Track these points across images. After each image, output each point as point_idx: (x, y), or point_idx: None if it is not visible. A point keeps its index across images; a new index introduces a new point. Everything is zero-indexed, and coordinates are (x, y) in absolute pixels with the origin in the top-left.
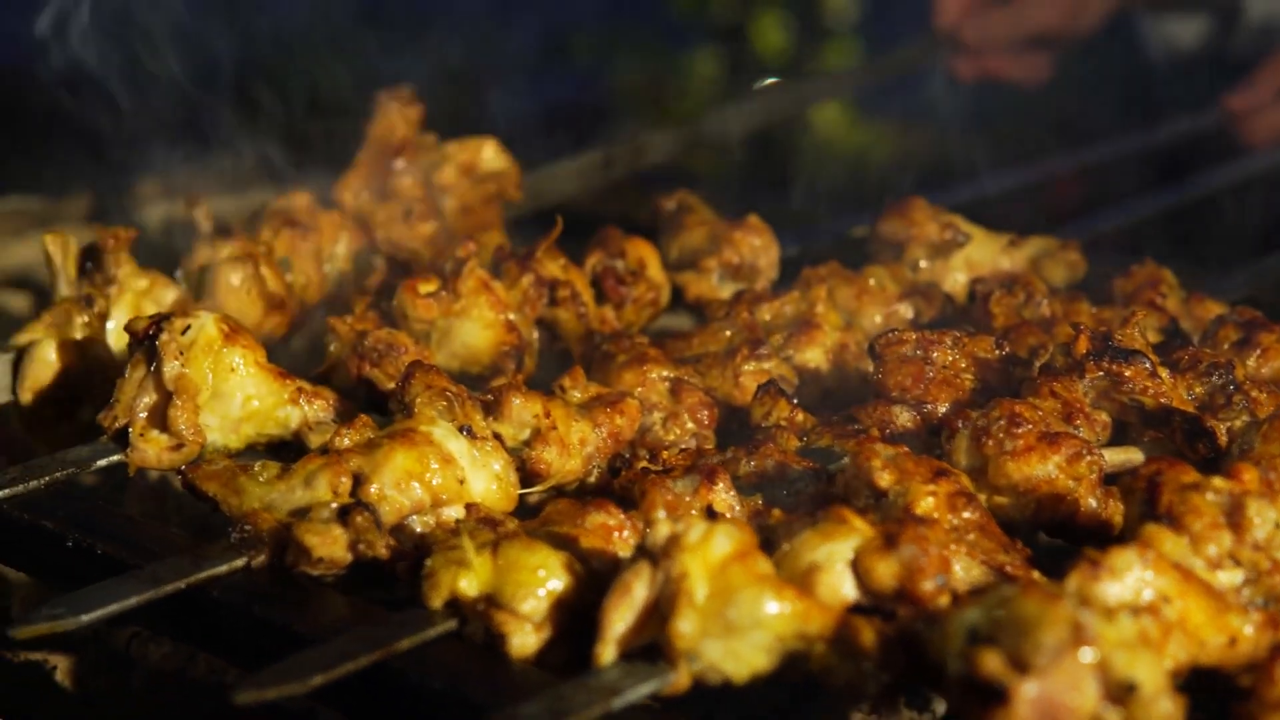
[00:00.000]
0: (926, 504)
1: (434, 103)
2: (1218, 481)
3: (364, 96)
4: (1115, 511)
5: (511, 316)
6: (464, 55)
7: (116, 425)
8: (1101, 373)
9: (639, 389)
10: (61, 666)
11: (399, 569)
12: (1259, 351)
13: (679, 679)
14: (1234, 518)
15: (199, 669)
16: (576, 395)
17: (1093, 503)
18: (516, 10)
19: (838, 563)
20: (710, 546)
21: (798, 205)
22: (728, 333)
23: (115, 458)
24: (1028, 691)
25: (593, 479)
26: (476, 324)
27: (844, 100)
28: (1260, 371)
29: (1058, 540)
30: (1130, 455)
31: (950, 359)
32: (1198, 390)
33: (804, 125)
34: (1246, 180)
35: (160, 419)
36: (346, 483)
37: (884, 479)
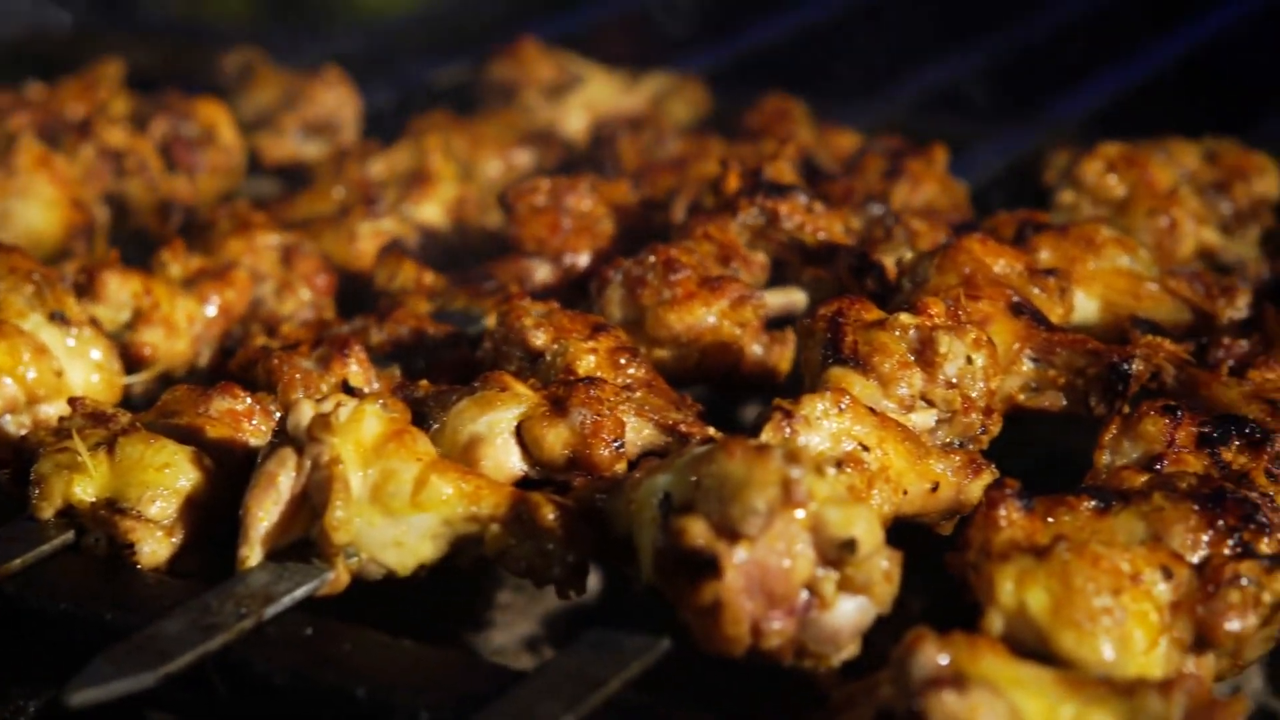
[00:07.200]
0: (588, 363)
1: None
2: (904, 317)
3: None
4: (781, 358)
5: (77, 194)
6: None
7: None
8: (756, 210)
9: (247, 258)
10: None
11: (0, 478)
12: (910, 180)
13: (338, 577)
14: (923, 354)
15: None
16: (178, 270)
17: (758, 349)
18: None
19: (501, 434)
20: (361, 426)
21: (350, 50)
22: (338, 191)
23: None
24: (740, 559)
25: (204, 361)
26: (38, 204)
27: None
28: (913, 201)
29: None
30: (792, 296)
31: (587, 206)
32: (854, 224)
33: None
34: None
35: None
36: None
37: (538, 338)
